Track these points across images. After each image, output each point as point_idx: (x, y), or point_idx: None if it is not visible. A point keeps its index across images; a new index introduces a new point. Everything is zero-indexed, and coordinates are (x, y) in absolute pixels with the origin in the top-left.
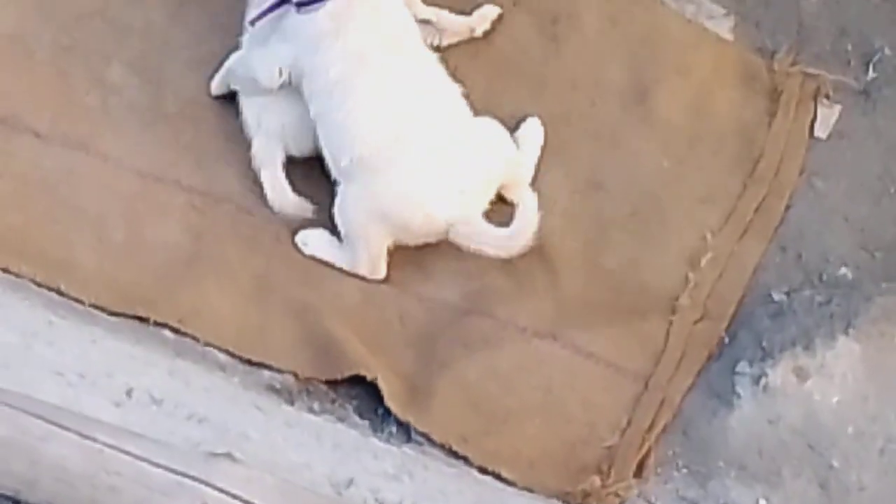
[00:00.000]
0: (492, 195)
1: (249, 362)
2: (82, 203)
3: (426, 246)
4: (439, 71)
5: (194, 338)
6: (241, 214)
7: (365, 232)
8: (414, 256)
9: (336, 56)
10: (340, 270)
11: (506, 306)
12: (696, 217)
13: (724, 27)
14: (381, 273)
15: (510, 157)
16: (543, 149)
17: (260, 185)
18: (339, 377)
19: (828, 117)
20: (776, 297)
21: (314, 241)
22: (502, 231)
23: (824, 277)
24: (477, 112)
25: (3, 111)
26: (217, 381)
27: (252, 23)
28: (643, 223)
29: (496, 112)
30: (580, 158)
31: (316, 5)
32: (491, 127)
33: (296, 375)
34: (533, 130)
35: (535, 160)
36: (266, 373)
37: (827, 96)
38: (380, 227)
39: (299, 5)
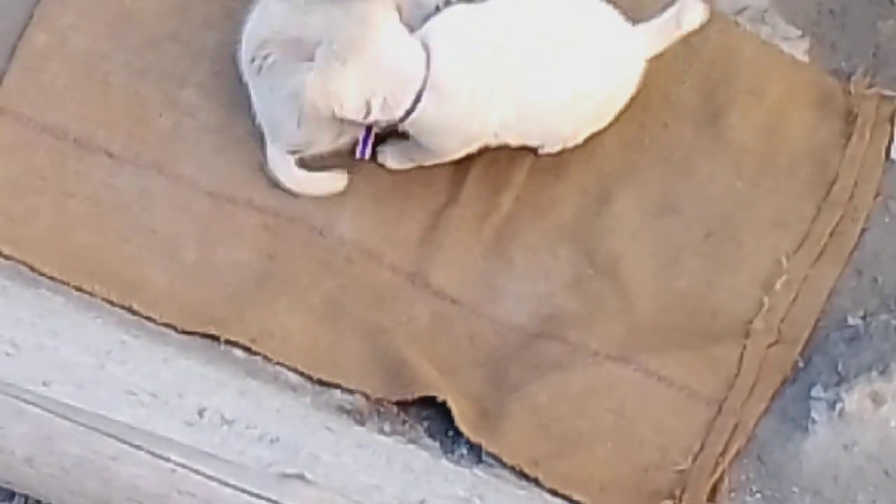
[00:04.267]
0: None
1: (320, 382)
2: (154, 223)
3: (498, 268)
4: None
5: (266, 358)
6: (313, 235)
7: None
8: (485, 278)
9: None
10: (411, 292)
11: (577, 329)
12: (771, 240)
13: (799, 49)
14: None
15: None
16: (614, 171)
17: (335, 204)
18: (409, 398)
19: None
20: (852, 321)
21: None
22: None
23: None
24: None
25: (77, 132)
26: (288, 402)
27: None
28: (716, 246)
29: None
30: (653, 181)
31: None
32: None
33: (366, 396)
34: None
35: None
36: (337, 393)
37: None
38: None
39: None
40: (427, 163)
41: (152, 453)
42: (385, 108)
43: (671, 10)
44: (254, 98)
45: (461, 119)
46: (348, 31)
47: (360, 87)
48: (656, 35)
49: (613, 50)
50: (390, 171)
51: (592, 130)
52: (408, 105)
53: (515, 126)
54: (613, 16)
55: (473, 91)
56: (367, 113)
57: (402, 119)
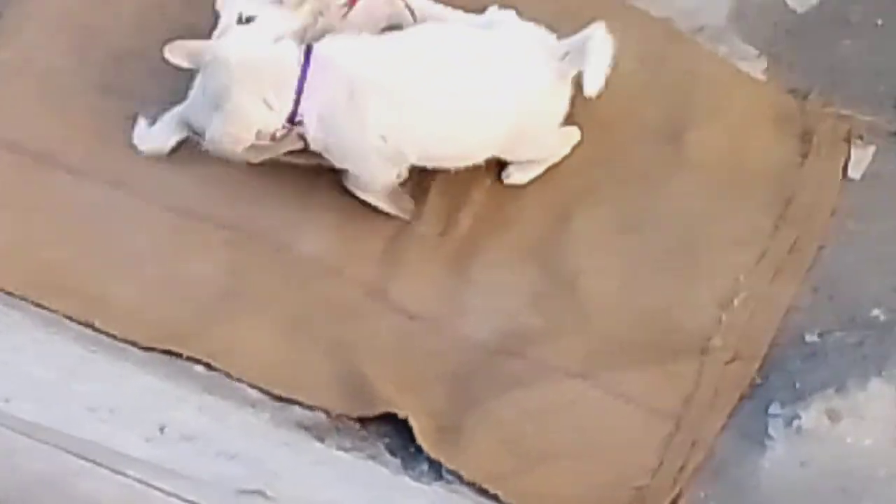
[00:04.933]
0: None
1: (280, 399)
2: (116, 239)
3: (459, 285)
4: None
5: (226, 374)
6: (275, 251)
7: None
8: (447, 295)
9: None
10: (373, 308)
11: (538, 346)
12: (729, 258)
13: (756, 68)
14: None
15: None
16: (575, 188)
17: (297, 220)
18: (370, 414)
19: (861, 158)
20: (809, 338)
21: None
22: None
23: (857, 319)
24: None
25: (39, 147)
26: (248, 418)
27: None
28: (676, 263)
29: None
30: (613, 198)
31: None
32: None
33: (327, 412)
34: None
35: None
36: (297, 409)
37: (860, 137)
38: None
39: None
40: (381, 194)
41: (112, 469)
42: (278, 95)
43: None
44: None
45: (344, 109)
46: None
47: (250, 96)
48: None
49: (521, 82)
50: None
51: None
52: (295, 78)
53: (403, 138)
54: (532, 49)
55: (354, 74)
56: (270, 111)
57: (296, 106)
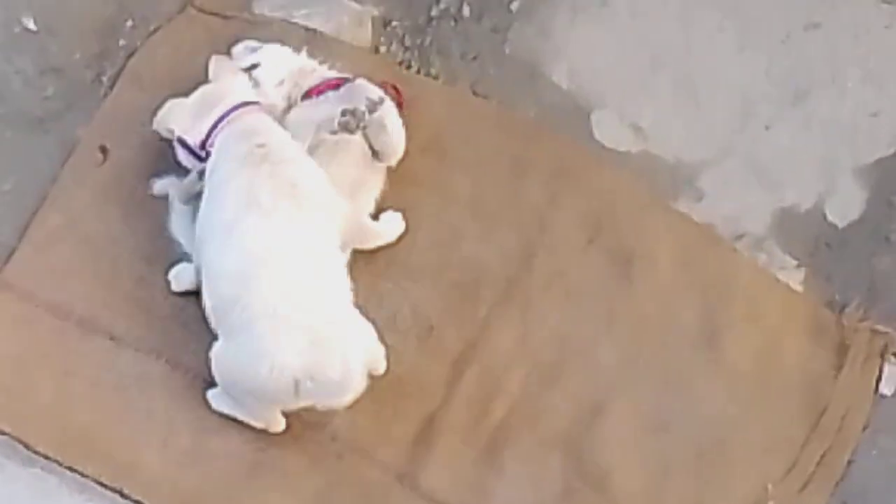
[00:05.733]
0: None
1: None
2: (151, 407)
3: (488, 474)
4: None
5: None
6: (305, 430)
7: (236, 391)
8: (475, 484)
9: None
10: (400, 493)
11: None
12: (760, 465)
13: (795, 278)
14: (279, 427)
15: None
16: (610, 384)
17: None
18: None
19: (894, 375)
20: None
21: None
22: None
23: None
24: (548, 348)
25: (81, 312)
26: None
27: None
28: (706, 467)
29: (567, 345)
30: (647, 397)
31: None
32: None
33: None
34: None
35: None
36: None
37: (894, 354)
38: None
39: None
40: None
41: None
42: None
43: None
44: None
45: (217, 189)
46: None
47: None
48: None
49: None
50: (385, 372)
51: None
52: (212, 119)
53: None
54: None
55: (236, 182)
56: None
57: (207, 137)
